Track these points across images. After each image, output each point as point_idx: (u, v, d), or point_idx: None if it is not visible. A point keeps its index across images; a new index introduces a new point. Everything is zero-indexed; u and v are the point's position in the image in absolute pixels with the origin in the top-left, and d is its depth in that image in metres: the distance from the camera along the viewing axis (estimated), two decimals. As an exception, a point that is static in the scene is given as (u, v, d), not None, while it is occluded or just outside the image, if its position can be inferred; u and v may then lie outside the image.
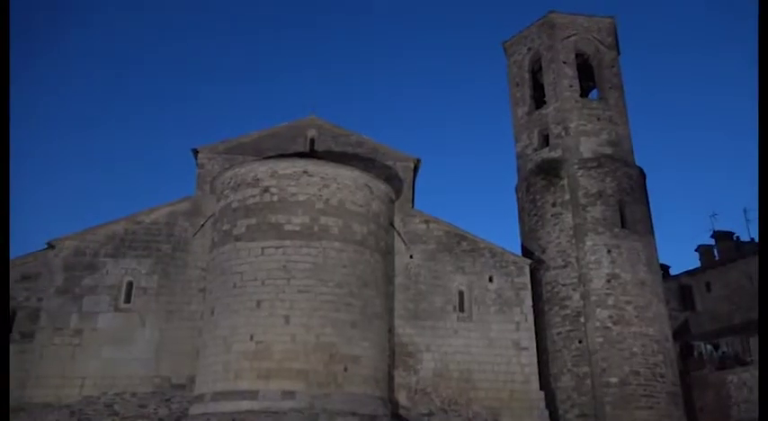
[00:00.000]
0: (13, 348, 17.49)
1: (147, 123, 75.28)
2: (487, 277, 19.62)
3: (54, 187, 70.85)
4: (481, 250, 19.99)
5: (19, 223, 66.35)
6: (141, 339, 17.53)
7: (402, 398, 17.89)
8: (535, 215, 21.79)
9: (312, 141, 20.91)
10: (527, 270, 19.97)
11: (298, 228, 17.09)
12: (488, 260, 19.86)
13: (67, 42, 68.63)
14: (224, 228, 17.71)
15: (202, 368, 16.48)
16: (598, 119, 22.37)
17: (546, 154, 22.39)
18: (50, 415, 16.33)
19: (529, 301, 19.52)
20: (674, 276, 29.88)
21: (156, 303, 17.96)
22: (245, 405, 15.18)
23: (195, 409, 15.91)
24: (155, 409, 16.76)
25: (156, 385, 17.12)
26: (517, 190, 23.50)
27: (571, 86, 22.78)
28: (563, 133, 22.21)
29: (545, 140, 22.84)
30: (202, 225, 18.83)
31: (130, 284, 18.14)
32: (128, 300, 17.97)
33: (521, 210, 22.97)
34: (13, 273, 18.36)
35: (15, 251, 22.69)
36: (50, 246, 18.42)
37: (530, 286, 19.75)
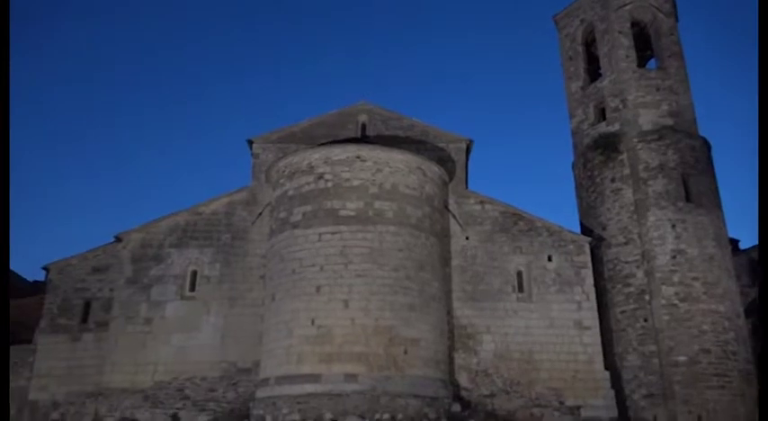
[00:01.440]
0: (90, 337, 18.50)
1: (202, 114, 77.23)
2: (546, 257, 19.29)
3: (121, 182, 73.84)
4: (538, 229, 19.66)
5: (89, 218, 69.53)
6: (207, 326, 18.12)
7: (463, 379, 17.89)
8: (593, 192, 21.24)
9: (363, 126, 20.98)
10: (587, 248, 19.52)
11: (353, 214, 17.23)
12: (546, 239, 19.52)
13: (129, 32, 70.91)
14: (281, 215, 18.03)
15: (266, 353, 16.92)
16: (657, 89, 21.52)
17: (603, 128, 21.74)
18: (126, 399, 17.16)
19: (590, 280, 19.10)
20: (745, 250, 28.59)
21: (219, 291, 18.50)
22: (309, 388, 15.53)
23: (261, 393, 16.37)
24: (223, 393, 17.37)
25: (223, 370, 17.69)
26: (574, 167, 22.94)
27: (627, 57, 21.97)
28: (620, 106, 21.50)
29: (601, 114, 22.17)
30: (260, 214, 19.22)
31: (194, 273, 18.74)
32: (192, 288, 18.58)
33: (578, 187, 22.44)
34: (85, 266, 19.32)
35: (86, 245, 23.83)
36: (118, 239, 19.21)
37: (590, 265, 19.31)
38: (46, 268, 19.56)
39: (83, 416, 17.54)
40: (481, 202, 19.93)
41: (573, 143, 23.16)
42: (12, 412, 18.40)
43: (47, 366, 18.27)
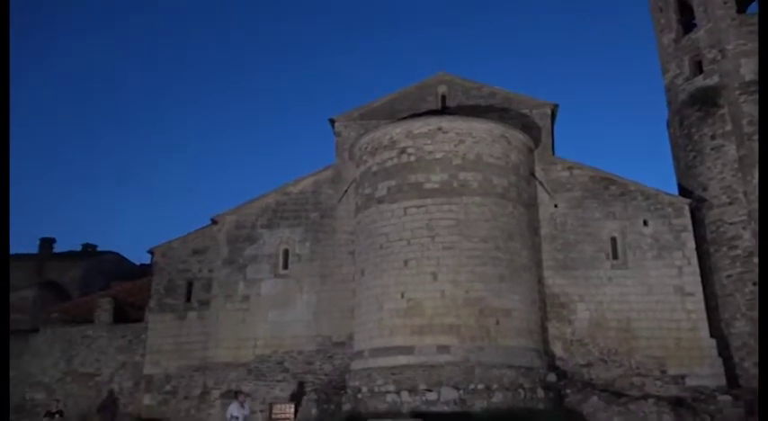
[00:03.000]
0: (194, 315, 19.60)
1: (286, 95, 79.00)
2: (641, 221, 18.44)
3: (214, 166, 77.24)
4: (632, 193, 18.79)
5: (188, 203, 73.19)
6: (300, 302, 18.71)
7: (558, 349, 17.57)
8: (692, 150, 20.00)
9: (443, 98, 20.72)
10: (687, 210, 18.48)
11: (437, 186, 17.14)
12: (641, 203, 18.63)
13: (210, 12, 73.37)
14: (366, 191, 18.23)
15: (358, 326, 17.30)
16: (761, 35, 19.82)
17: (700, 82, 20.34)
18: (231, 373, 18.12)
19: (691, 244, 18.10)
20: None
21: (310, 268, 19.03)
22: (403, 359, 15.76)
23: (356, 365, 16.79)
24: (320, 365, 17.98)
25: (318, 343, 18.26)
26: (669, 125, 21.68)
27: (725, 3, 20.34)
28: (719, 57, 20.01)
29: (697, 67, 20.73)
30: (345, 191, 19.51)
31: (286, 252, 19.35)
32: (285, 266, 19.20)
33: (674, 146, 21.21)
34: (186, 249, 20.39)
35: (186, 229, 25.19)
36: (214, 221, 20.11)
37: (691, 228, 18.27)
38: (151, 251, 20.83)
39: (193, 389, 18.71)
40: (569, 168, 19.28)
41: (667, 100, 21.87)
42: (129, 385, 19.92)
43: (158, 343, 19.55)
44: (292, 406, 17.41)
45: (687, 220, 18.34)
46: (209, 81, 78.79)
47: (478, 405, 14.91)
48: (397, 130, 18.07)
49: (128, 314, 22.09)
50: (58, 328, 21.76)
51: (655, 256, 18.06)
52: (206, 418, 17.93)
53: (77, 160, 77.99)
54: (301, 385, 17.65)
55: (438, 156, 17.45)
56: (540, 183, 18.98)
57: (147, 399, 19.11)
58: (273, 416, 17.34)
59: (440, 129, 17.69)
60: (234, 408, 14.03)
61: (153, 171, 79.46)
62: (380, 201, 17.62)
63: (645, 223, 18.40)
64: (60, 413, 15.81)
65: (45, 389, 20.54)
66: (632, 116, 71.16)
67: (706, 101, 19.72)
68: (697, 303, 17.48)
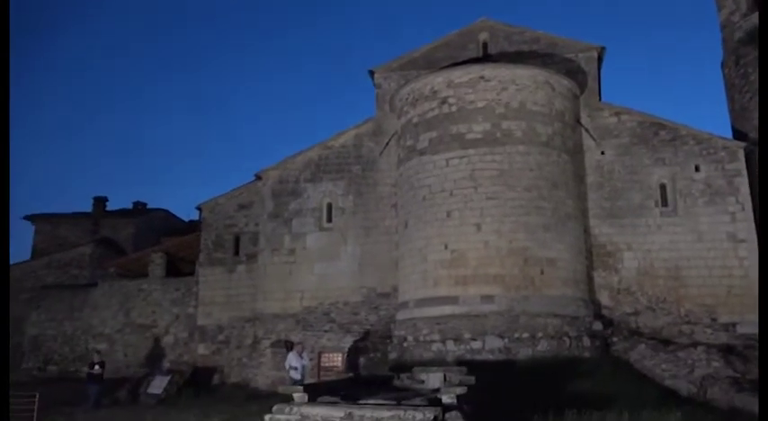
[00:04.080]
0: (242, 268, 20.16)
1: (323, 49, 78.33)
2: (693, 167, 17.83)
3: (258, 125, 77.90)
4: (683, 138, 18.13)
5: (232, 158, 74.26)
6: (345, 255, 18.98)
7: (604, 298, 17.43)
8: (748, 91, 19.05)
9: (485, 45, 20.15)
10: (741, 154, 17.75)
11: (480, 136, 16.89)
12: (693, 148, 17.98)
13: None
14: (407, 143, 18.10)
15: (402, 277, 17.48)
16: (827, -36, 18.47)
17: (757, 18, 19.18)
18: (280, 323, 18.68)
19: (745, 189, 17.45)
20: None
21: (353, 221, 19.20)
22: (447, 309, 15.91)
23: (401, 315, 17.06)
24: (365, 316, 18.35)
25: (363, 295, 18.58)
26: (723, 65, 20.66)
27: (788, -70, 18.94)
28: (780, -10, 18.76)
29: (755, 3, 19.52)
30: (387, 143, 19.42)
31: (330, 205, 19.53)
32: (329, 219, 19.43)
33: (729, 87, 20.25)
34: (232, 204, 20.82)
35: (231, 185, 25.65)
36: (258, 177, 20.39)
37: (745, 172, 17.57)
38: (199, 208, 21.34)
39: (244, 339, 19.42)
40: (617, 114, 18.67)
41: (722, 39, 20.76)
42: (184, 335, 20.78)
43: (209, 295, 20.25)
44: (340, 355, 17.94)
45: (741, 165, 17.65)
46: (247, 37, 78.63)
47: (523, 353, 15.02)
48: (437, 80, 17.75)
49: (179, 268, 22.87)
50: (114, 282, 22.74)
51: (706, 203, 17.53)
52: (257, 366, 18.63)
53: (123, 121, 79.72)
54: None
55: (480, 105, 17.12)
56: (586, 130, 18.48)
57: (201, 349, 19.96)
58: (322, 365, 17.93)
59: (482, 77, 17.29)
60: (293, 359, 14.14)
61: (197, 128, 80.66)
62: (422, 152, 17.49)
63: (696, 169, 17.81)
64: (101, 364, 16.47)
65: (106, 339, 21.63)
66: (683, 59, 68.04)
67: (765, 38, 18.62)
68: (751, 250, 16.98)
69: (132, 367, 20.71)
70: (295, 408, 9.73)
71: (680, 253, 17.30)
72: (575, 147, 17.98)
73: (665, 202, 17.78)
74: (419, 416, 8.97)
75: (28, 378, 20.99)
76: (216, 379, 19.04)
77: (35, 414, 10.53)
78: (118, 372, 20.63)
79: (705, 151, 17.89)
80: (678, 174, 17.85)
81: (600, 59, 19.75)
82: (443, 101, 17.47)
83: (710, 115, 66.79)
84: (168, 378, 17.52)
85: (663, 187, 17.88)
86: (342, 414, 9.33)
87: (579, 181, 17.83)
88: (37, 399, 10.78)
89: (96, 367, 16.21)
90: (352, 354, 17.35)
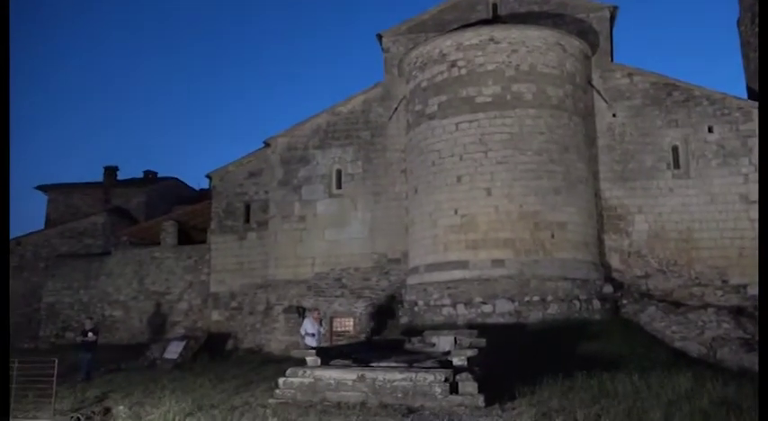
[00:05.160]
0: (253, 235, 20.28)
1: (330, 11, 77.22)
2: (706, 128, 17.58)
3: (269, 93, 77.41)
4: (697, 99, 17.83)
5: (242, 126, 74.11)
6: (355, 221, 19.02)
7: (615, 261, 17.44)
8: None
9: (494, 6, 19.74)
10: (755, 114, 17.45)
11: (489, 99, 16.69)
12: (706, 108, 17.70)
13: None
14: (416, 108, 17.94)
15: (413, 243, 17.53)
16: None
17: (777, -27, 18.63)
18: (292, 289, 18.87)
19: (759, 150, 17.24)
20: None
21: (363, 187, 19.17)
22: (458, 274, 15.99)
23: (412, 280, 17.16)
24: (376, 281, 18.47)
25: (374, 260, 18.68)
26: (739, 23, 20.18)
27: None
28: (800, -57, 18.16)
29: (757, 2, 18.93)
30: (395, 108, 19.25)
31: (339, 172, 19.49)
32: (339, 186, 19.41)
33: (745, 45, 19.81)
34: (242, 172, 20.83)
35: (241, 153, 25.68)
36: (267, 144, 20.34)
37: (760, 133, 17.34)
38: (209, 176, 21.38)
39: (257, 305, 19.66)
40: (629, 75, 18.35)
41: (738, -5, 20.24)
42: (198, 302, 21.07)
43: (221, 263, 20.44)
44: (351, 319, 18.14)
45: (756, 125, 17.38)
46: (255, 4, 77.50)
47: (533, 316, 15.13)
48: (446, 43, 17.47)
49: (191, 236, 23.06)
50: (128, 251, 23.00)
51: (719, 164, 17.35)
52: (270, 332, 18.90)
53: (133, 91, 79.46)
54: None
55: (490, 67, 16.87)
56: (598, 92, 18.22)
57: (215, 315, 20.25)
58: (334, 329, 18.15)
59: (491, 39, 17.01)
60: (309, 325, 14.15)
61: (206, 97, 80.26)
62: (431, 117, 17.34)
63: (710, 130, 17.57)
64: (95, 330, 15.49)
65: (122, 306, 21.99)
66: (697, 19, 66.48)
67: (783, -6, 18.11)
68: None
69: (147, 333, 21.10)
70: (308, 371, 9.92)
71: (692, 215, 17.21)
72: (586, 109, 17.75)
73: (677, 165, 17.61)
74: (430, 377, 9.11)
75: (46, 345, 21.48)
76: (230, 344, 19.35)
77: (55, 378, 10.79)
78: (134, 339, 21.06)
79: (719, 112, 17.63)
80: (691, 136, 17.62)
81: (612, 19, 19.35)
82: (452, 64, 17.23)
83: (726, 76, 65.55)
84: (184, 343, 17.83)
85: (675, 149, 17.69)
86: (354, 376, 9.50)
87: (590, 144, 17.66)
88: (56, 364, 11.04)
89: (90, 334, 15.13)
90: (364, 319, 17.52)
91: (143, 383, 12.64)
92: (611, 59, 18.83)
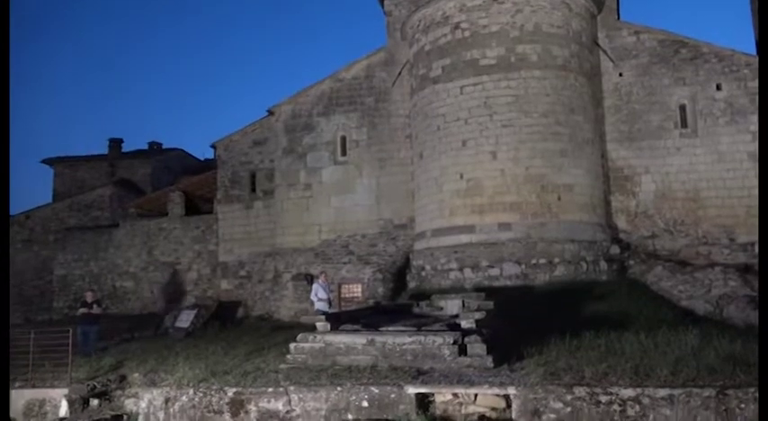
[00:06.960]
0: (260, 204, 20.34)
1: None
2: (714, 85, 17.32)
3: (270, 59, 76.64)
4: (705, 56, 17.53)
5: (245, 95, 73.66)
6: (361, 187, 19.00)
7: (621, 222, 17.43)
8: (774, 4, 18.21)
9: (498, -36, 19.29)
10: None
11: (494, 62, 16.48)
12: (715, 66, 17.41)
13: None
14: (420, 72, 17.74)
15: (419, 208, 17.55)
16: None
17: (788, -77, 18.10)
18: (299, 257, 19.00)
19: (768, 107, 17.00)
20: None
21: (368, 153, 19.10)
22: (464, 238, 16.04)
23: (419, 245, 17.24)
24: (383, 247, 18.55)
25: (380, 227, 18.73)
26: (749, -23, 19.70)
27: None
28: None
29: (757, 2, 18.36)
30: (399, 73, 19.03)
31: (344, 139, 19.39)
32: (344, 153, 19.33)
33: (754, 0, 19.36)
34: (247, 141, 20.78)
35: (246, 122, 25.57)
36: (271, 112, 20.22)
37: (769, 89, 17.08)
38: (213, 146, 21.35)
39: (265, 273, 19.84)
40: (636, 33, 18.03)
41: (748, -52, 19.71)
42: (207, 271, 21.27)
43: (229, 232, 20.56)
44: (359, 285, 18.30)
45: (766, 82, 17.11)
46: (251, -32, 76.09)
47: (540, 278, 15.21)
48: (449, 5, 17.16)
49: (198, 206, 23.14)
50: (136, 222, 23.12)
51: (727, 122, 17.15)
52: (280, 299, 19.10)
53: (136, 63, 78.78)
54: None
55: (494, 29, 16.60)
56: (604, 51, 17.93)
57: (224, 284, 20.46)
58: (342, 295, 18.33)
59: (495, -1, 16.69)
60: (320, 290, 14.26)
61: (209, 66, 79.55)
62: (435, 81, 17.16)
63: (718, 87, 17.32)
64: (98, 303, 14.58)
65: (132, 277, 22.23)
66: (707, -29, 64.82)
67: (794, -55, 17.62)
68: (771, 169, 16.71)
69: (160, 303, 21.36)
70: (318, 336, 10.06)
71: (699, 174, 17.11)
72: (592, 69, 17.51)
73: (684, 124, 17.42)
74: (439, 340, 9.24)
75: (60, 316, 21.79)
76: (240, 312, 19.59)
77: (70, 348, 11.01)
78: (145, 309, 21.35)
79: (727, 69, 17.35)
80: (699, 94, 17.39)
81: (619, -25, 18.90)
82: (456, 26, 16.96)
83: (735, 35, 64.19)
84: (195, 312, 18.03)
85: (682, 108, 17.47)
86: (364, 341, 9.64)
87: (596, 104, 17.47)
88: (71, 335, 11.25)
89: (94, 306, 14.08)
90: (372, 284, 17.65)
91: (156, 351, 12.85)
92: (618, 17, 18.47)
